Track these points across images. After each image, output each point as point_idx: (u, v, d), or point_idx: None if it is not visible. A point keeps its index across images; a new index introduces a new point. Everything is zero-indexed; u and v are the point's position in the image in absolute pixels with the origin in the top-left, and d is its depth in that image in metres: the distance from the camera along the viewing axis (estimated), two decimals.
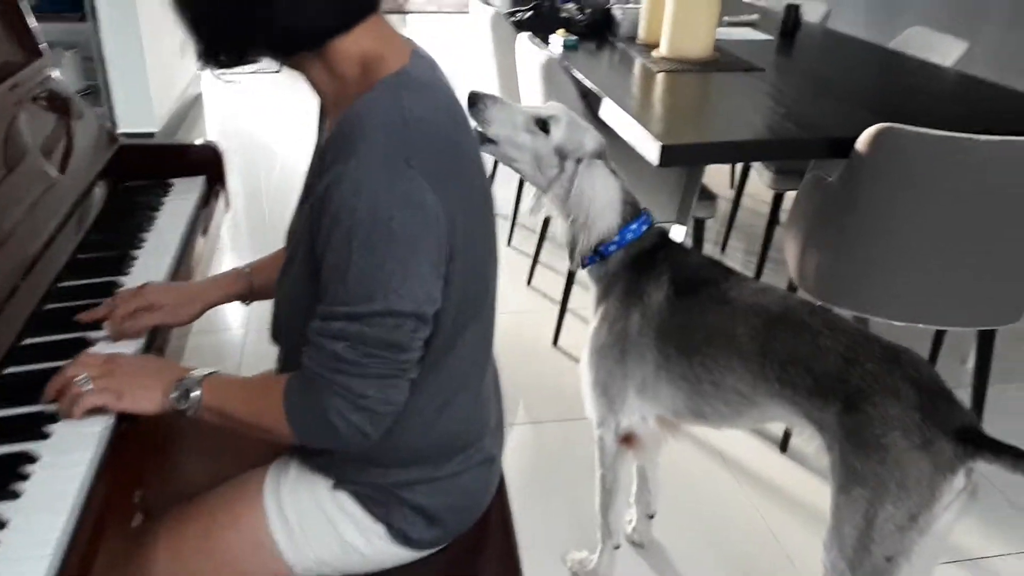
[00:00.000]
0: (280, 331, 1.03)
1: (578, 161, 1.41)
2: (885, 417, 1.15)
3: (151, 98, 3.83)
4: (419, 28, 7.28)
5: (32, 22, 1.51)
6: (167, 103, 4.12)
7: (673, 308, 1.37)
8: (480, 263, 0.98)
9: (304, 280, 0.92)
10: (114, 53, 3.71)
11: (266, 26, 0.84)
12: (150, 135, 3.87)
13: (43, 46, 1.51)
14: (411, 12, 7.81)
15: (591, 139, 1.43)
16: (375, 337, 0.85)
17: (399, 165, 0.82)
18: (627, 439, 1.51)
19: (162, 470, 1.16)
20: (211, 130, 4.39)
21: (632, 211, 1.43)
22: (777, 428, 2.10)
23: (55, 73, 1.52)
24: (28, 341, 1.08)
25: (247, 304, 1.24)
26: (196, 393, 0.94)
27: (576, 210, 1.40)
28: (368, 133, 0.84)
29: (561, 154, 1.42)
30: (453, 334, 0.96)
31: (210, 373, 0.96)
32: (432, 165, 0.85)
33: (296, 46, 0.88)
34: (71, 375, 0.93)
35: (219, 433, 0.99)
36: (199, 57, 0.90)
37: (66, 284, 1.22)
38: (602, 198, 1.39)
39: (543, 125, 1.41)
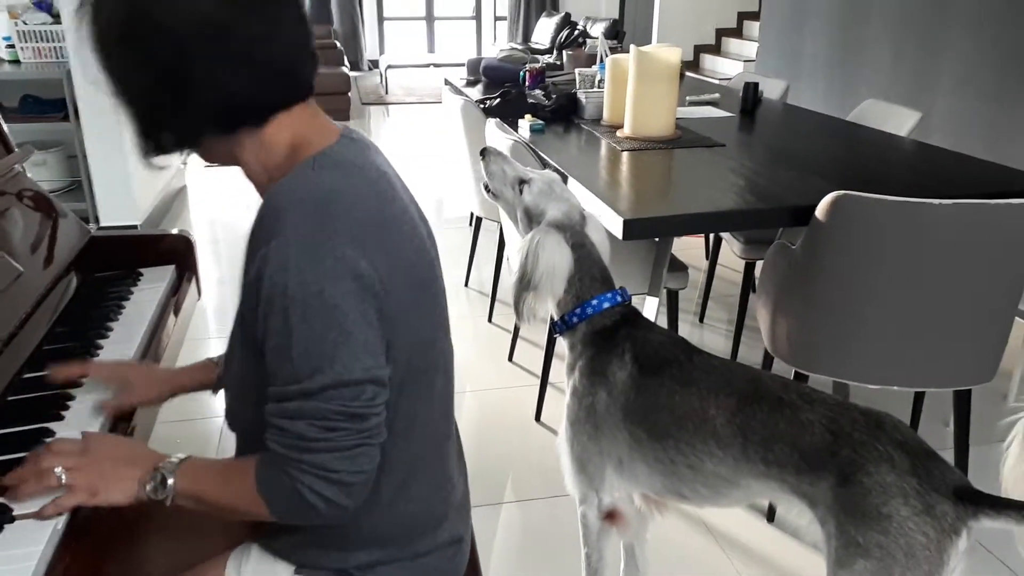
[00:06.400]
0: (234, 417, 1.02)
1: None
2: (883, 485, 1.13)
3: (133, 191, 3.89)
4: (400, 118, 7.49)
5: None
6: (150, 196, 4.18)
7: (638, 388, 1.35)
8: (427, 337, 0.98)
9: (247, 364, 0.92)
10: (95, 149, 3.79)
11: (210, 96, 0.85)
12: (133, 227, 3.91)
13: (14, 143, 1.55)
14: (392, 103, 8.06)
15: (556, 209, 1.45)
16: (333, 410, 0.85)
17: (320, 238, 0.83)
18: (611, 516, 1.47)
19: (124, 557, 1.13)
20: (197, 221, 4.44)
21: (599, 287, 1.43)
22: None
23: (23, 168, 1.55)
24: None
25: (215, 394, 1.22)
26: (171, 481, 0.92)
27: (522, 270, 1.42)
28: (287, 211, 0.85)
29: (528, 216, 1.48)
30: (399, 410, 0.94)
31: (185, 459, 0.95)
32: (358, 233, 0.86)
33: (239, 120, 0.89)
34: (46, 466, 0.92)
35: (180, 518, 0.97)
36: (139, 141, 0.90)
37: (29, 376, 1.22)
38: (546, 265, 1.39)
39: (522, 186, 1.49)
